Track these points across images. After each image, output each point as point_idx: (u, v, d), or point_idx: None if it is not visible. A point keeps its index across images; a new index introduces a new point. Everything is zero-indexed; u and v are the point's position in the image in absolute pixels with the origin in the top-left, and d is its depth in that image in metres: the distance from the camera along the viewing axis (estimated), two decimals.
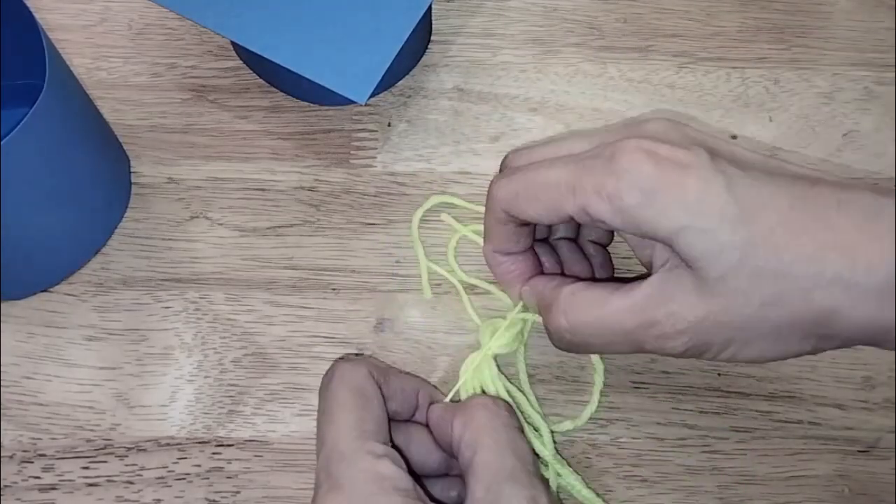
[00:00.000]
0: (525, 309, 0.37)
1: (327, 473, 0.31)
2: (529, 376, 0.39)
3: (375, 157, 0.45)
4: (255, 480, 0.38)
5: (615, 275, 0.39)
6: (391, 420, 0.34)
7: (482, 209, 0.37)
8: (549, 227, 0.38)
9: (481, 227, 0.37)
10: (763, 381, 0.40)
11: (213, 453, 0.38)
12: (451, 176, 0.44)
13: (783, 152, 0.45)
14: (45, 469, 0.38)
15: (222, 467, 0.38)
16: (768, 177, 0.30)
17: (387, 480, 0.30)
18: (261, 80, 0.47)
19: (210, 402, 0.39)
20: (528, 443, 0.35)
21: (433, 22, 0.48)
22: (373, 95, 0.45)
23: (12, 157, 0.33)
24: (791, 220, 0.29)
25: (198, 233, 0.43)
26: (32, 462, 0.38)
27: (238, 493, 0.38)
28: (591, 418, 0.39)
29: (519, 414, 0.36)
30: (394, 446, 0.32)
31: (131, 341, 0.40)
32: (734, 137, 0.46)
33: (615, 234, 0.39)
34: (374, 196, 0.44)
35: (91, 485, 0.38)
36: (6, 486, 0.37)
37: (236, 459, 0.38)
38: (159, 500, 0.37)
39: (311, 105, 0.46)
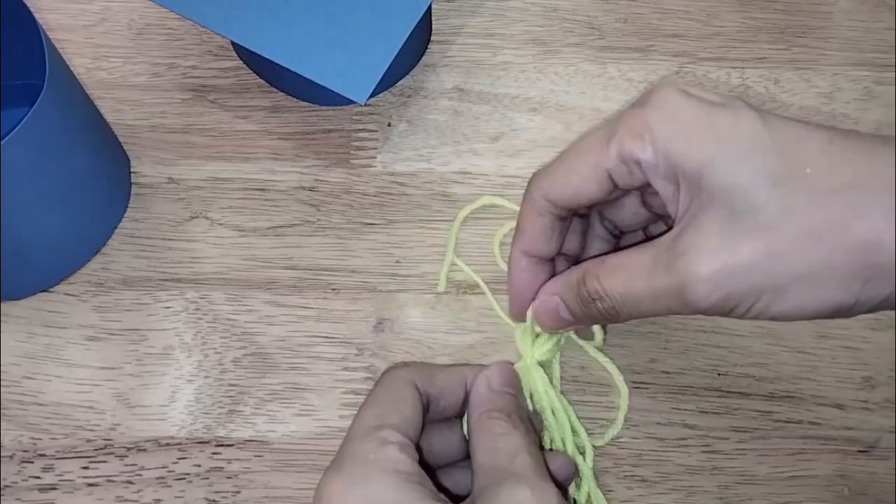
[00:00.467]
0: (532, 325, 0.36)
1: (336, 456, 0.31)
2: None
3: (375, 157, 0.45)
4: (255, 480, 0.38)
5: None
6: (440, 420, 0.35)
7: None
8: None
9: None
10: (763, 381, 0.40)
11: (213, 453, 0.38)
12: (451, 176, 0.44)
13: None
14: (45, 469, 0.38)
15: (222, 467, 0.38)
16: (804, 122, 0.29)
17: (388, 462, 0.30)
18: (261, 80, 0.47)
19: (210, 402, 0.39)
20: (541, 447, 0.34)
21: (433, 22, 0.48)
22: (373, 95, 0.45)
23: (12, 157, 0.33)
24: (829, 151, 0.28)
25: (198, 233, 0.43)
26: (32, 462, 0.38)
27: (238, 493, 0.38)
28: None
29: (567, 427, 0.36)
30: (418, 448, 0.32)
31: (131, 341, 0.40)
32: None
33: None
34: (374, 196, 0.44)
35: (91, 485, 0.38)
36: (6, 486, 0.37)
37: (236, 459, 0.38)
38: (159, 500, 0.37)
39: (311, 105, 0.46)
